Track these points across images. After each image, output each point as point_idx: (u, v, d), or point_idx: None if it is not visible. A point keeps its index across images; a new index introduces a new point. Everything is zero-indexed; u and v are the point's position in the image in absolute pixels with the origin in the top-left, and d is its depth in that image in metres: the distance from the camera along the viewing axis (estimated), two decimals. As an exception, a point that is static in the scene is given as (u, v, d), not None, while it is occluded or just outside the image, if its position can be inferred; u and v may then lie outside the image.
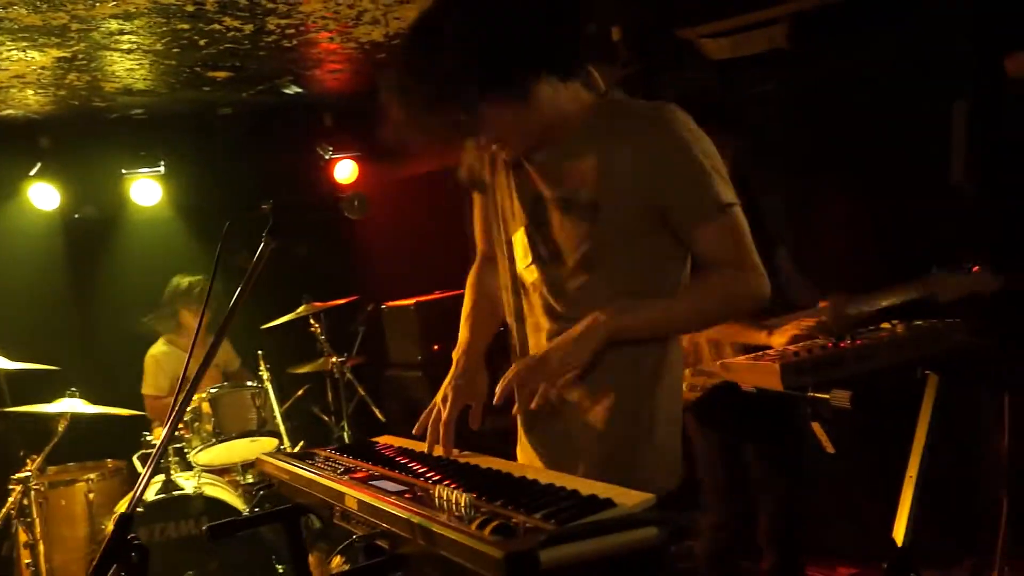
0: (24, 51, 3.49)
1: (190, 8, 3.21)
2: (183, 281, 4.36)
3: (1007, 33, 2.69)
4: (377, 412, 4.45)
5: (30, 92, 4.09)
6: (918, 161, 3.14)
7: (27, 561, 3.54)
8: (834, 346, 2.46)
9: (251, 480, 3.88)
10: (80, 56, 3.64)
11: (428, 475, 1.46)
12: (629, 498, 1.20)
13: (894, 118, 3.20)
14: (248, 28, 3.50)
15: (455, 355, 1.84)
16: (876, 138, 3.29)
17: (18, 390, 3.81)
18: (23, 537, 3.56)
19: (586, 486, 1.28)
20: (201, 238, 5.06)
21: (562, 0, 1.57)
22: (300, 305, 4.24)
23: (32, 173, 4.67)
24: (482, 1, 1.52)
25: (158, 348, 4.38)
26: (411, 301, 4.71)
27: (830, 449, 2.56)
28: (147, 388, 4.31)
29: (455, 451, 1.69)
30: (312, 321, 4.31)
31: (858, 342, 2.47)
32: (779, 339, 2.56)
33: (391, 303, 4.88)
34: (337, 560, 3.42)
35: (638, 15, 3.54)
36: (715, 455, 2.78)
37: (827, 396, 2.30)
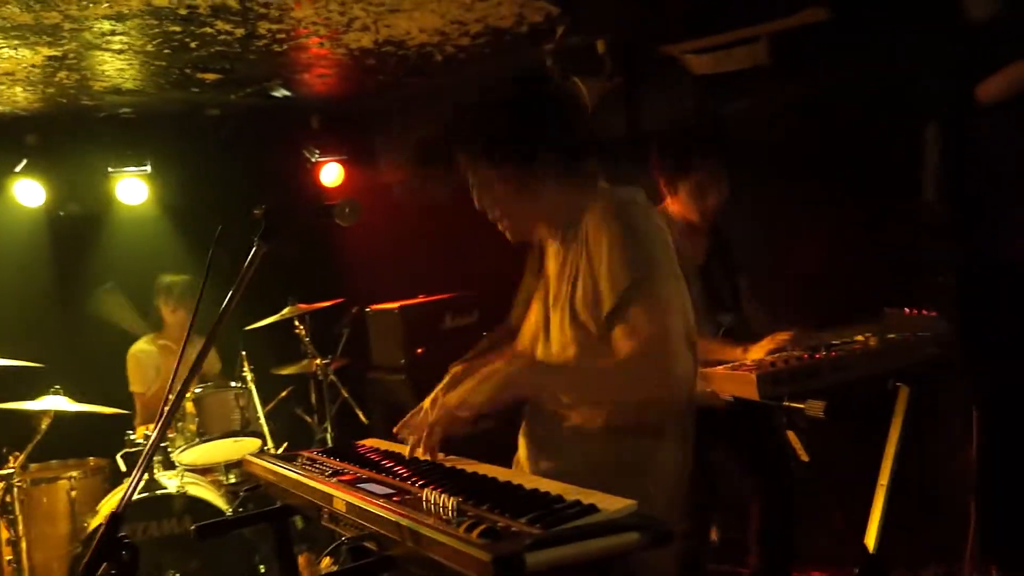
0: (15, 49, 3.50)
1: (183, 11, 3.23)
2: (164, 279, 4.39)
3: (979, 56, 2.78)
4: (360, 414, 4.48)
5: (19, 89, 4.08)
6: (892, 182, 3.23)
7: (8, 558, 3.54)
8: (809, 357, 2.53)
9: (234, 480, 3.90)
10: (71, 55, 3.65)
11: (415, 478, 1.49)
12: (611, 504, 1.24)
13: (869, 138, 3.28)
14: (239, 32, 3.53)
15: (453, 368, 1.90)
16: (850, 157, 3.38)
17: (1, 387, 3.81)
18: (5, 534, 3.56)
19: (569, 491, 1.32)
20: (186, 238, 5.07)
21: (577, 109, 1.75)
22: (285, 307, 4.27)
23: (18, 169, 4.65)
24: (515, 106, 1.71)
25: (138, 347, 4.40)
26: (395, 305, 4.74)
27: (804, 457, 2.64)
28: (134, 386, 4.33)
29: (440, 455, 1.74)
30: (297, 323, 4.34)
31: (832, 354, 2.55)
32: (756, 354, 2.64)
33: (375, 306, 4.91)
34: (326, 561, 3.45)
35: (624, 29, 3.61)
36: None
37: (802, 406, 2.37)
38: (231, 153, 5.07)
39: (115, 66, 3.86)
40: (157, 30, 3.42)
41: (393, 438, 1.88)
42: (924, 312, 2.75)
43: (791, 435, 2.57)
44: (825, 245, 3.52)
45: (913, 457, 2.74)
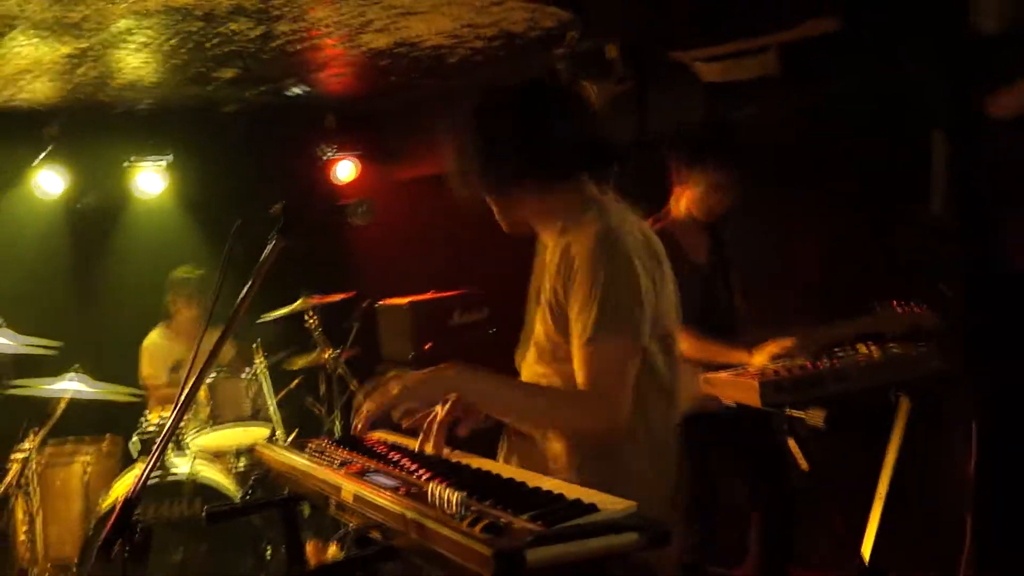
0: (37, 45, 3.56)
1: (202, 11, 3.28)
2: (178, 274, 4.45)
3: (988, 68, 2.81)
4: (368, 407, 4.53)
5: (41, 82, 4.15)
6: (898, 191, 3.25)
7: (23, 535, 3.62)
8: (812, 366, 2.57)
9: (243, 466, 3.96)
10: (91, 51, 3.71)
11: (421, 472, 1.50)
12: (613, 504, 1.25)
13: (876, 147, 3.31)
14: (256, 32, 3.58)
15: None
16: (857, 166, 3.40)
17: (21, 369, 3.89)
18: (21, 510, 3.64)
19: (571, 490, 1.33)
20: (201, 230, 5.15)
21: (591, 115, 1.79)
22: (298, 299, 4.33)
23: (39, 160, 4.72)
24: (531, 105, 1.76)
25: (150, 339, 4.48)
26: (406, 300, 4.79)
27: (804, 466, 2.67)
28: (146, 377, 4.40)
29: (445, 450, 1.78)
30: (308, 315, 4.40)
31: (835, 364, 2.58)
32: (760, 358, 2.67)
33: (386, 301, 4.96)
34: (332, 548, 3.51)
35: (634, 35, 3.65)
36: (689, 479, 2.87)
37: (803, 415, 2.42)
38: (246, 148, 5.14)
39: (134, 62, 3.92)
40: (176, 28, 3.47)
41: (400, 430, 1.93)
42: (915, 308, 2.79)
43: (791, 443, 2.61)
44: (828, 252, 3.55)
45: (913, 468, 2.78)
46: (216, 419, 3.85)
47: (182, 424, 3.86)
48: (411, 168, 5.25)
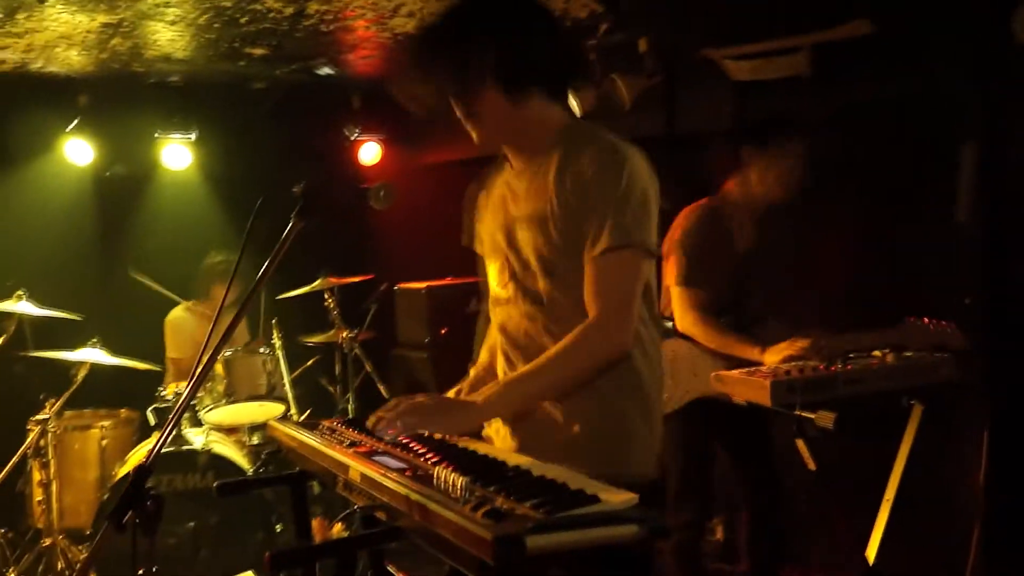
0: (73, 14, 3.60)
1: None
2: (216, 258, 4.49)
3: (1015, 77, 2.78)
4: (382, 388, 4.57)
5: (74, 52, 4.20)
6: (924, 198, 3.23)
7: (39, 498, 3.69)
8: (826, 368, 2.56)
9: (257, 441, 4.02)
10: (125, 23, 3.74)
11: (428, 456, 1.52)
12: (614, 495, 1.26)
13: (904, 153, 3.28)
14: (289, 10, 3.60)
15: (472, 370, 1.98)
16: (884, 171, 3.37)
17: (42, 336, 3.96)
18: (37, 476, 3.71)
19: (575, 480, 1.34)
20: (226, 204, 5.19)
21: (568, 33, 1.75)
22: (317, 279, 4.37)
23: (69, 129, 4.79)
24: (512, 11, 1.74)
25: (175, 314, 4.53)
26: (423, 284, 4.83)
27: (812, 466, 2.67)
28: (170, 351, 4.46)
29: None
30: (327, 295, 4.44)
31: (848, 367, 2.58)
32: (773, 357, 2.67)
33: (404, 285, 5.00)
34: (338, 527, 3.56)
35: (666, 30, 3.63)
36: (689, 460, 2.89)
37: (812, 416, 2.41)
38: (273, 126, 5.18)
39: (167, 36, 3.96)
40: (209, 4, 3.50)
41: None
42: (943, 324, 2.77)
43: (800, 443, 2.60)
44: (852, 257, 3.53)
45: (922, 474, 2.77)
46: (231, 395, 3.90)
47: (198, 396, 3.92)
48: (435, 153, 5.26)
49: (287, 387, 4.12)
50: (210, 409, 3.90)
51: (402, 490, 1.31)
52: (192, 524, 3.52)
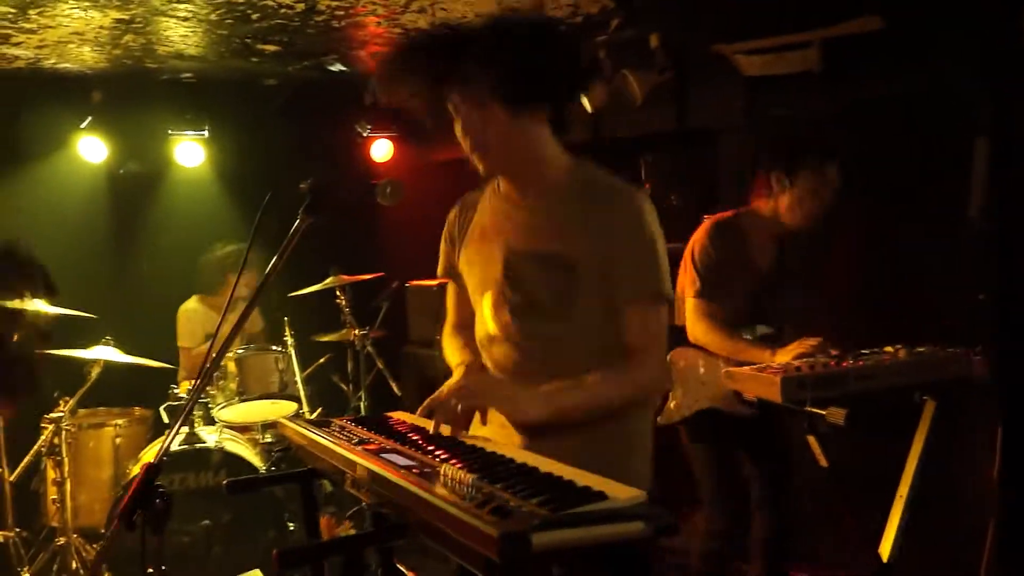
0: (86, 10, 3.63)
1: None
2: (227, 248, 4.49)
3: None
4: (393, 386, 4.59)
5: (87, 49, 4.23)
6: (936, 195, 3.20)
7: (53, 497, 3.71)
8: (836, 364, 2.54)
9: (269, 440, 4.04)
10: (138, 19, 3.76)
11: (435, 453, 1.53)
12: (620, 492, 1.26)
13: (915, 150, 3.25)
14: (300, 7, 3.61)
15: (456, 368, 1.96)
16: (895, 168, 3.34)
17: (56, 334, 3.99)
18: (51, 474, 3.72)
19: (581, 478, 1.34)
20: (238, 201, 5.22)
21: (570, 49, 1.77)
22: (328, 276, 4.38)
23: (82, 126, 4.82)
24: (528, 35, 1.72)
25: (189, 305, 4.54)
26: (434, 282, 4.83)
27: (823, 462, 2.66)
28: (182, 341, 4.48)
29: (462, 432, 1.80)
30: (338, 293, 4.45)
31: (859, 363, 2.56)
32: (783, 358, 2.66)
33: (415, 282, 5.01)
34: (347, 524, 3.57)
35: (677, 25, 3.62)
36: (711, 466, 2.89)
37: (823, 412, 2.40)
38: (285, 122, 5.19)
39: (179, 32, 3.98)
40: (221, 0, 3.52)
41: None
42: (970, 353, 2.71)
43: (811, 439, 2.59)
44: (860, 255, 3.50)
45: (935, 471, 2.75)
46: (244, 393, 3.92)
47: (211, 394, 3.94)
48: (446, 151, 5.25)
49: (299, 385, 4.13)
50: (223, 407, 3.92)
51: (409, 487, 1.31)
52: (205, 522, 3.54)
